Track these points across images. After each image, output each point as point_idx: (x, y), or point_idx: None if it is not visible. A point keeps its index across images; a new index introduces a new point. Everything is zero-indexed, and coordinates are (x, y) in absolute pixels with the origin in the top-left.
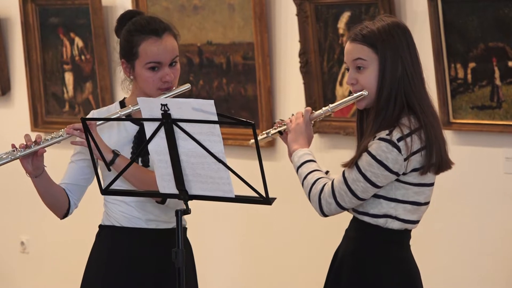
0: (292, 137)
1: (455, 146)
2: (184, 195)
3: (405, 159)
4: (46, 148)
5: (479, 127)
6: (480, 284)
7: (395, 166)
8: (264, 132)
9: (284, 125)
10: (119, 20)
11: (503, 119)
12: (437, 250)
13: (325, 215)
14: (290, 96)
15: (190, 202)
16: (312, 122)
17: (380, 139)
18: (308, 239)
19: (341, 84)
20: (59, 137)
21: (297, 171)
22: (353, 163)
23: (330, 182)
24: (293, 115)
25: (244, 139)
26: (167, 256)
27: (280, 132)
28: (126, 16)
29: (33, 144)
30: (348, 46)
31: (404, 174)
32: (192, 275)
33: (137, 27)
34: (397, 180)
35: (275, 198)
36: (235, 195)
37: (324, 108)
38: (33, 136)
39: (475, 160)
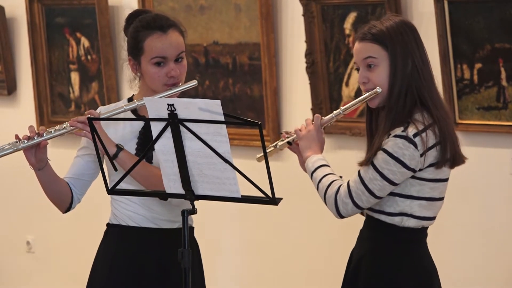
0: (305, 144)
1: (461, 146)
2: (190, 195)
3: (421, 155)
4: (51, 148)
5: (485, 128)
6: (485, 283)
7: (411, 163)
8: (271, 145)
9: (293, 135)
10: (128, 19)
11: (509, 120)
12: (443, 249)
13: (341, 216)
14: (296, 96)
15: (198, 202)
16: (323, 127)
17: (396, 136)
18: (316, 239)
19: (347, 84)
20: (62, 129)
21: (311, 176)
22: (368, 162)
23: (345, 183)
24: (300, 129)
25: (250, 139)
26: (173, 256)
27: (289, 143)
28: (134, 15)
29: (36, 135)
30: (357, 45)
31: (420, 170)
32: (199, 275)
33: (143, 24)
34: (413, 176)
35: (281, 198)
36: (242, 195)
37: (335, 112)
38: (37, 128)
39: (481, 161)
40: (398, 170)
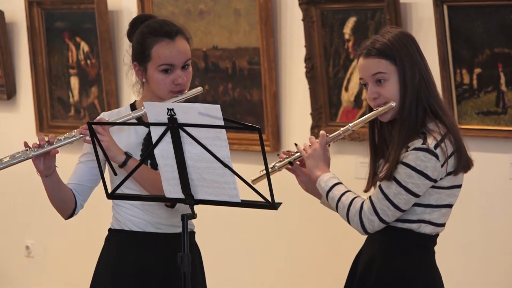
0: (312, 164)
1: None
2: (190, 199)
3: (442, 165)
4: (58, 149)
5: (485, 133)
6: (484, 287)
7: (434, 174)
8: (269, 167)
9: (293, 154)
10: (132, 24)
11: (508, 124)
12: (442, 254)
13: (367, 233)
14: (296, 101)
15: (199, 206)
16: (328, 144)
17: (416, 149)
18: (316, 243)
19: (346, 89)
20: (72, 137)
21: (326, 196)
22: (390, 177)
23: (367, 200)
24: (296, 145)
25: (250, 144)
26: (176, 261)
27: (290, 163)
28: (139, 20)
29: (46, 144)
30: (362, 62)
31: (440, 179)
32: (201, 279)
33: (150, 30)
34: (431, 186)
35: (281, 203)
36: (241, 200)
37: (343, 128)
38: (46, 136)
39: (480, 165)
40: (422, 183)
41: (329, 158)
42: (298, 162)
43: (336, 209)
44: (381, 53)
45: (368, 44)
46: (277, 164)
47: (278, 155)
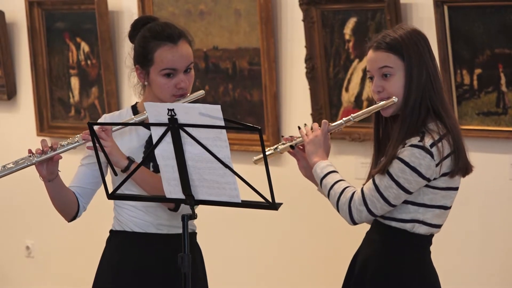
0: (311, 150)
1: None
2: (190, 200)
3: (437, 165)
4: (61, 155)
5: (485, 133)
6: (484, 287)
7: (427, 172)
8: (271, 148)
9: (296, 139)
10: (133, 26)
11: (508, 125)
12: (442, 255)
13: (354, 223)
14: (296, 101)
15: (201, 206)
16: (330, 133)
17: (412, 145)
18: (316, 243)
19: (347, 89)
20: (75, 143)
21: (320, 182)
22: (384, 170)
23: (359, 190)
24: (299, 128)
25: (250, 144)
26: (177, 262)
27: (291, 147)
28: (141, 22)
29: (49, 150)
30: (371, 54)
31: (434, 179)
32: (202, 279)
33: (152, 34)
34: (426, 185)
35: (281, 203)
36: (242, 200)
37: (345, 118)
38: (49, 141)
39: (481, 166)
40: (414, 179)
41: (329, 146)
42: (301, 147)
43: (328, 197)
44: (390, 47)
45: (379, 38)
46: (279, 146)
47: (282, 136)
